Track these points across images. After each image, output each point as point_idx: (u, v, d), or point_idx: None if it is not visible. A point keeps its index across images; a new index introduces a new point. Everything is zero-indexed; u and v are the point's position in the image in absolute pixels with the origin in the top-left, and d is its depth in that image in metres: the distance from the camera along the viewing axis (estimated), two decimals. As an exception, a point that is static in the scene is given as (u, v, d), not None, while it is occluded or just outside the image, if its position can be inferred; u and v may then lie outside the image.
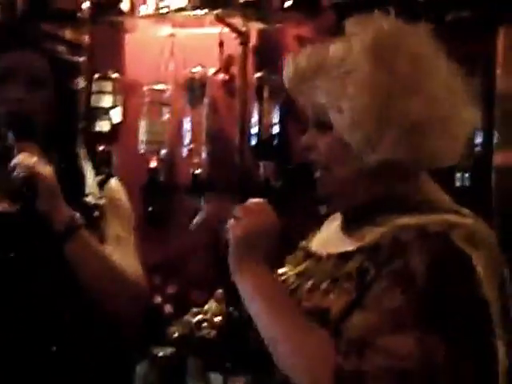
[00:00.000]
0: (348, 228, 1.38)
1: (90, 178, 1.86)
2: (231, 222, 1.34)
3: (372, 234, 1.29)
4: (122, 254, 1.82)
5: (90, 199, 1.81)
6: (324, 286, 1.31)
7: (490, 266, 1.24)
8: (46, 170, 1.65)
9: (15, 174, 1.62)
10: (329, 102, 1.30)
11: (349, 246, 1.33)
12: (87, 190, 1.82)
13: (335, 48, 1.31)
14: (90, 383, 1.79)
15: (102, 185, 1.86)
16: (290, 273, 1.43)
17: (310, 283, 1.35)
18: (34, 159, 1.64)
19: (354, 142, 1.28)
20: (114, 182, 1.90)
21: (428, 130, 1.28)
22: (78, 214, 1.71)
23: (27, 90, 1.75)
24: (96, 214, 1.80)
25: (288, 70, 1.38)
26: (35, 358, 1.74)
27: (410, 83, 1.27)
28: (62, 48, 1.97)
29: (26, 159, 1.63)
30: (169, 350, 2.72)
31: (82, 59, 2.92)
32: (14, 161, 1.63)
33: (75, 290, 1.73)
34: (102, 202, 1.82)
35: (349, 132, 1.29)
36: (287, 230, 1.36)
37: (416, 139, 1.27)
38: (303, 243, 1.50)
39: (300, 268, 1.42)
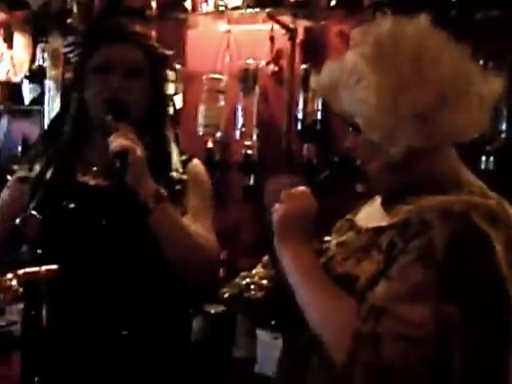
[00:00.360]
0: (385, 206, 1.38)
1: (175, 156, 1.89)
2: (276, 205, 1.37)
3: (403, 213, 1.28)
4: (199, 224, 1.83)
5: (174, 175, 1.84)
6: (357, 255, 1.32)
7: (510, 245, 1.21)
8: (137, 147, 1.68)
9: (110, 149, 1.65)
10: (350, 108, 1.33)
11: (384, 221, 1.33)
12: (173, 167, 1.85)
13: (345, 61, 1.33)
14: (153, 332, 1.82)
15: (185, 163, 1.89)
16: (333, 241, 1.44)
17: (346, 252, 1.37)
18: (127, 137, 1.68)
19: (376, 140, 1.29)
20: (196, 161, 1.94)
21: (439, 115, 1.26)
22: (162, 189, 1.73)
23: (125, 79, 1.78)
24: (178, 187, 1.83)
25: (315, 85, 1.45)
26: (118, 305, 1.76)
27: (413, 78, 1.26)
28: (153, 41, 1.96)
29: (119, 137, 1.67)
30: (220, 308, 2.72)
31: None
32: (110, 138, 1.67)
33: (155, 257, 1.75)
34: (184, 177, 1.85)
35: (369, 132, 1.30)
36: (329, 210, 1.36)
37: (429, 126, 1.26)
38: (349, 215, 1.51)
39: (342, 238, 1.43)
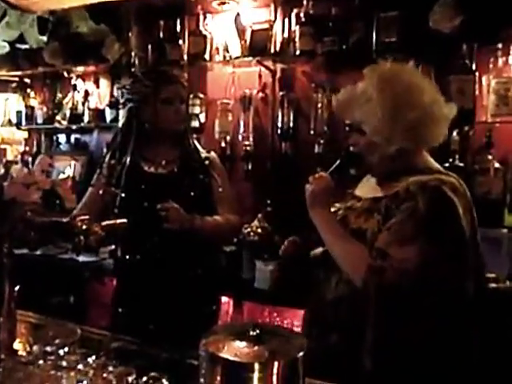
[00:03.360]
0: (380, 183, 1.36)
1: (200, 150, 1.90)
2: (307, 185, 1.36)
3: (394, 187, 1.27)
4: (226, 207, 1.83)
5: (203, 162, 1.85)
6: (363, 215, 1.31)
7: (465, 207, 1.21)
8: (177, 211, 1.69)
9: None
10: (361, 119, 1.30)
11: (379, 193, 1.33)
12: (201, 158, 1.85)
13: (358, 87, 1.32)
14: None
15: (207, 156, 1.89)
16: (342, 206, 1.42)
17: (354, 213, 1.35)
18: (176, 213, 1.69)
19: (377, 141, 1.28)
20: (213, 154, 1.94)
21: (423, 127, 1.24)
22: (195, 217, 1.71)
23: (179, 107, 1.80)
24: (207, 162, 1.84)
25: (336, 101, 1.38)
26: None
27: (405, 100, 1.24)
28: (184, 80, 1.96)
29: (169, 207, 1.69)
30: (232, 248, 2.68)
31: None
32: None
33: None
34: (207, 163, 1.86)
35: (374, 135, 1.28)
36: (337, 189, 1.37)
37: (416, 134, 1.25)
38: (349, 191, 1.47)
39: (347, 204, 1.41)
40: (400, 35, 2.39)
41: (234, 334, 0.80)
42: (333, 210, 1.39)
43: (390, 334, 1.19)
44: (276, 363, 0.76)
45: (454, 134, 2.27)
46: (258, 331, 0.80)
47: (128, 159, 1.83)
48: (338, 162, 1.38)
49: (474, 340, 1.24)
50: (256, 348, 0.78)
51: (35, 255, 2.97)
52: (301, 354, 0.79)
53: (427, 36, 2.29)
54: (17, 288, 1.25)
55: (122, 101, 2.01)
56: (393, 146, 1.25)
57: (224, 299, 2.42)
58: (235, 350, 0.77)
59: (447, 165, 2.20)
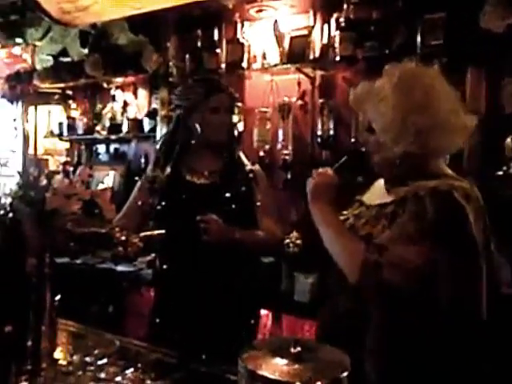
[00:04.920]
0: (388, 189, 1.34)
1: (246, 162, 1.91)
2: (309, 179, 1.35)
3: (401, 192, 1.25)
4: (269, 219, 1.82)
5: (247, 175, 1.84)
6: (371, 222, 1.30)
7: (477, 214, 1.18)
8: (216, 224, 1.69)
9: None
10: (371, 116, 1.29)
11: (387, 199, 1.30)
12: (246, 170, 1.86)
13: (376, 84, 1.30)
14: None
15: (251, 169, 1.89)
16: (349, 214, 1.40)
17: (362, 220, 1.33)
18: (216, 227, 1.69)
19: (384, 141, 1.26)
20: (257, 167, 1.93)
21: (431, 134, 1.21)
22: (236, 232, 1.71)
23: (226, 116, 1.82)
24: (251, 175, 1.84)
25: (351, 96, 1.37)
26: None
27: (419, 106, 1.22)
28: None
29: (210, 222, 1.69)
30: (270, 259, 2.68)
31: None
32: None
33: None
34: (255, 167, 1.88)
35: (382, 134, 1.27)
36: (343, 187, 1.34)
37: (424, 140, 1.22)
38: (357, 197, 1.45)
39: (355, 212, 1.39)
40: (447, 37, 2.34)
41: (274, 350, 0.79)
42: (342, 218, 1.37)
43: (387, 333, 1.18)
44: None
45: (509, 140, 2.18)
46: (298, 348, 0.78)
47: (171, 168, 1.85)
48: (344, 158, 1.38)
49: (482, 354, 1.20)
50: (297, 366, 0.76)
51: (75, 264, 3.05)
52: (344, 374, 0.77)
53: (477, 37, 2.24)
54: (58, 297, 1.28)
55: (171, 107, 1.99)
56: (399, 148, 1.23)
57: (263, 312, 2.40)
58: (275, 367, 0.75)
59: (501, 173, 2.13)
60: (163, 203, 1.80)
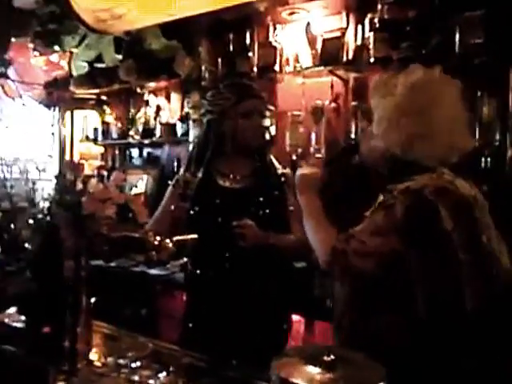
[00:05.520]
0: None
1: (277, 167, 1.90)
2: (298, 170, 1.43)
3: (385, 195, 1.26)
4: (298, 225, 1.69)
5: (279, 179, 1.85)
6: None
7: (458, 209, 1.19)
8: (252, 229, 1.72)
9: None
10: (375, 107, 1.31)
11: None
12: (278, 174, 1.86)
13: (392, 79, 1.29)
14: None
15: (283, 173, 1.89)
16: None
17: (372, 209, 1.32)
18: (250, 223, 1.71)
19: (377, 133, 1.27)
20: (289, 171, 1.92)
21: (418, 143, 1.22)
22: (270, 236, 1.72)
23: (259, 121, 1.84)
24: (283, 179, 1.84)
25: (371, 84, 1.39)
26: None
27: (419, 112, 1.22)
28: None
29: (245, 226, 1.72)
30: (303, 264, 2.55)
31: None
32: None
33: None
34: (286, 170, 1.89)
35: (376, 127, 1.27)
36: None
37: (408, 145, 1.23)
38: (367, 214, 1.36)
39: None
40: (487, 35, 2.27)
41: (307, 358, 0.78)
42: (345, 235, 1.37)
43: (355, 321, 1.25)
44: (352, 393, 0.71)
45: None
46: (332, 356, 0.78)
47: (202, 172, 1.86)
48: (338, 152, 1.47)
49: (463, 349, 1.19)
50: (330, 375, 0.75)
51: (110, 266, 3.11)
52: (379, 384, 0.74)
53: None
54: (93, 300, 1.31)
55: (201, 112, 2.01)
56: (384, 144, 1.26)
57: (295, 318, 2.38)
58: (308, 375, 0.75)
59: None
60: (196, 208, 1.80)
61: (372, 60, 2.62)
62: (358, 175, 1.55)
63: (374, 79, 1.38)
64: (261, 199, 1.80)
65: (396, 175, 1.28)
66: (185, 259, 2.14)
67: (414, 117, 1.22)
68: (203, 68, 3.23)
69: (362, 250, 1.20)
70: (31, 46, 3.68)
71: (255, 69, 2.99)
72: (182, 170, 1.94)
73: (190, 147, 2.00)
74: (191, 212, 1.80)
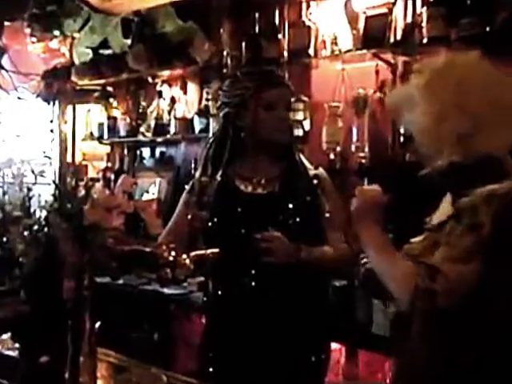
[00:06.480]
0: (453, 202, 1.33)
1: (309, 167, 1.89)
2: (353, 199, 1.39)
3: (461, 203, 1.25)
4: (338, 235, 1.82)
5: (312, 183, 1.84)
6: (431, 246, 1.30)
7: None
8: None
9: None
10: (408, 127, 1.33)
11: (445, 216, 1.32)
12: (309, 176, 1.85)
13: (407, 88, 1.33)
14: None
15: (316, 174, 1.88)
16: (417, 240, 1.42)
17: (423, 244, 1.36)
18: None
19: (424, 152, 1.29)
20: (322, 171, 1.92)
21: (475, 139, 1.22)
22: (301, 248, 1.73)
23: (284, 113, 1.84)
24: (315, 182, 1.84)
25: (386, 103, 1.42)
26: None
27: (454, 108, 1.22)
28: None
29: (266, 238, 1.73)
30: (343, 283, 2.64)
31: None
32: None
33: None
34: (319, 170, 1.88)
35: (420, 147, 1.30)
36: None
37: (467, 145, 1.22)
38: (427, 219, 1.45)
39: (422, 237, 1.41)
40: None
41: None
42: (407, 246, 1.40)
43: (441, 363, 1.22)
44: None
45: None
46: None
47: (220, 176, 1.86)
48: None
49: None
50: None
51: (117, 285, 3.15)
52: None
53: None
54: (98, 324, 1.32)
55: (217, 105, 2.02)
56: (443, 160, 1.25)
57: (334, 346, 2.37)
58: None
59: None
60: (214, 218, 1.81)
61: (425, 40, 2.60)
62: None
63: (387, 99, 1.43)
64: (290, 206, 1.79)
65: (467, 182, 1.26)
66: (203, 277, 2.15)
67: (451, 112, 1.23)
68: (225, 53, 3.25)
69: (453, 288, 1.17)
70: (27, 30, 3.75)
71: (285, 53, 2.99)
72: (198, 173, 1.95)
73: (206, 147, 1.98)
74: (209, 223, 1.81)
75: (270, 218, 1.78)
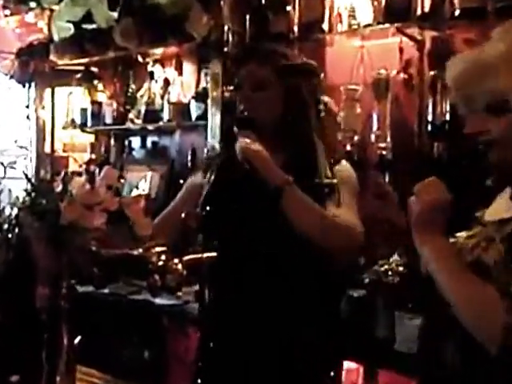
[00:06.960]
0: None
1: (322, 161, 1.85)
2: (412, 198, 1.31)
3: None
4: (345, 209, 1.78)
5: (322, 180, 1.80)
6: (483, 244, 1.27)
7: None
8: (258, 147, 1.73)
9: (237, 153, 1.73)
10: (478, 100, 1.27)
11: (509, 213, 1.27)
12: (320, 171, 1.81)
13: (480, 54, 1.28)
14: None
15: (333, 165, 1.86)
16: (464, 235, 1.38)
17: (473, 241, 1.31)
18: (248, 141, 1.73)
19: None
20: (343, 163, 1.91)
21: None
22: (290, 177, 1.72)
23: (252, 93, 1.84)
24: (326, 190, 1.79)
25: (447, 72, 1.34)
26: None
27: None
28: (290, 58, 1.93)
29: (242, 142, 1.73)
30: (361, 292, 2.62)
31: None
32: (236, 144, 1.74)
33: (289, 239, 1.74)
34: (334, 181, 1.80)
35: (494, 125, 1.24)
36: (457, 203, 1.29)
37: None
38: (478, 213, 1.41)
39: (470, 233, 1.37)
40: None
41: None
42: (451, 240, 1.35)
43: None
44: None
45: None
46: None
47: (224, 153, 1.91)
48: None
49: None
50: None
51: (102, 294, 3.15)
52: None
53: None
54: (77, 339, 1.31)
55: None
56: None
57: (350, 365, 2.37)
58: None
59: None
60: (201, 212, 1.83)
61: (457, 13, 2.60)
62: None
63: (449, 67, 1.35)
64: None
65: None
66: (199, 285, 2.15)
67: None
68: (226, 28, 3.24)
69: None
70: (0, 2, 3.75)
71: (296, 28, 3.00)
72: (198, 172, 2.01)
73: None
74: (205, 213, 1.84)
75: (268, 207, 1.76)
